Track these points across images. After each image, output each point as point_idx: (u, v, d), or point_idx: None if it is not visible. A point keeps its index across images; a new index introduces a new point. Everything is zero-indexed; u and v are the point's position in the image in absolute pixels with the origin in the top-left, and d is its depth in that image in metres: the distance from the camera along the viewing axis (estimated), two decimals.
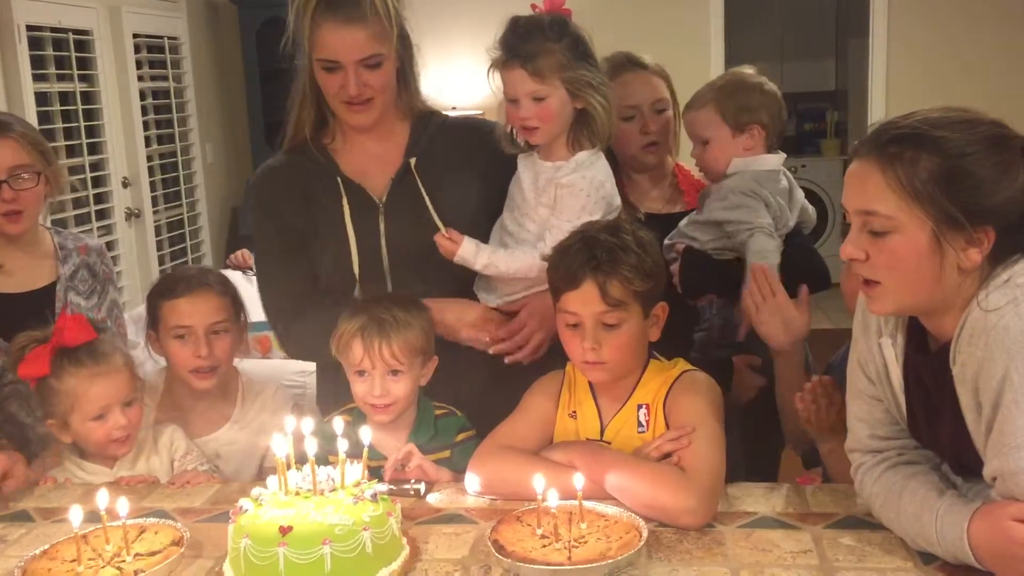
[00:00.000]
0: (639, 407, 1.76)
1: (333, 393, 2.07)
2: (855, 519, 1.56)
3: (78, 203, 4.53)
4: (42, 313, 2.07)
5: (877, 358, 1.52)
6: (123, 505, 1.52)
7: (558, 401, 1.84)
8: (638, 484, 1.60)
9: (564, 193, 1.94)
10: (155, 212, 5.15)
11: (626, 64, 2.33)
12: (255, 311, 2.23)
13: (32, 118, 4.03)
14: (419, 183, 2.03)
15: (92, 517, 1.55)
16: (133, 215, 4.94)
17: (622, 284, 1.69)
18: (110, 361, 1.92)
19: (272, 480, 1.52)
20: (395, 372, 1.86)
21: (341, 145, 2.09)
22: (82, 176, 4.53)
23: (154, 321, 2.12)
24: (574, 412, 1.81)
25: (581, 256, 1.71)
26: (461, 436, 1.94)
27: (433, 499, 1.74)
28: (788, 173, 2.23)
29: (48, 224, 2.44)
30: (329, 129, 2.09)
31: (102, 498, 1.53)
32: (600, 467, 1.64)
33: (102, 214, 4.72)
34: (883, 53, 5.63)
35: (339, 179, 2.04)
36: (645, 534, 1.49)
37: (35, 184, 2.17)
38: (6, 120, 2.19)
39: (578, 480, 1.53)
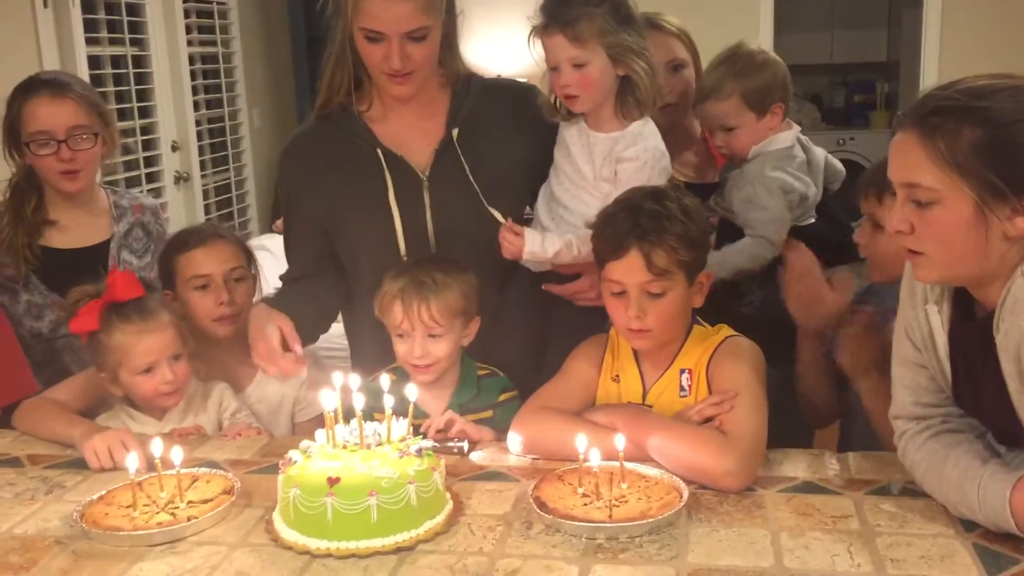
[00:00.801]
0: (681, 372, 1.77)
1: (370, 353, 2.08)
2: (897, 486, 1.56)
3: (129, 166, 4.61)
4: (96, 270, 2.12)
5: (923, 325, 1.52)
6: (177, 454, 1.57)
7: (601, 365, 1.85)
8: (680, 446, 1.62)
9: (628, 168, 1.92)
10: (203, 176, 5.21)
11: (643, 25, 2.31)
12: None
13: (86, 80, 4.09)
14: (461, 156, 1.98)
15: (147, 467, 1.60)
16: (182, 178, 5.02)
17: (667, 253, 1.69)
18: (157, 317, 1.97)
19: (320, 434, 1.55)
20: (434, 335, 1.88)
21: (379, 114, 2.02)
22: (133, 139, 4.61)
23: (169, 278, 2.14)
24: (617, 376, 1.83)
25: (626, 224, 1.71)
26: (503, 396, 1.97)
27: (476, 457, 1.77)
28: (802, 138, 2.20)
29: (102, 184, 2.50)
30: (365, 95, 2.02)
31: (156, 447, 1.58)
32: (642, 429, 1.66)
33: (152, 177, 4.80)
34: (937, 23, 5.50)
35: (379, 151, 1.98)
36: (686, 495, 1.50)
37: (92, 145, 2.22)
38: (66, 80, 2.24)
39: (620, 441, 1.55)
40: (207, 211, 5.25)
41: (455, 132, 1.99)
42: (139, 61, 4.70)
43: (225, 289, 2.10)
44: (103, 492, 1.60)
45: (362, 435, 1.52)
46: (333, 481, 1.43)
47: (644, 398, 1.80)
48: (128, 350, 1.93)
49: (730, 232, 2.13)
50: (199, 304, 2.10)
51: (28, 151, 2.19)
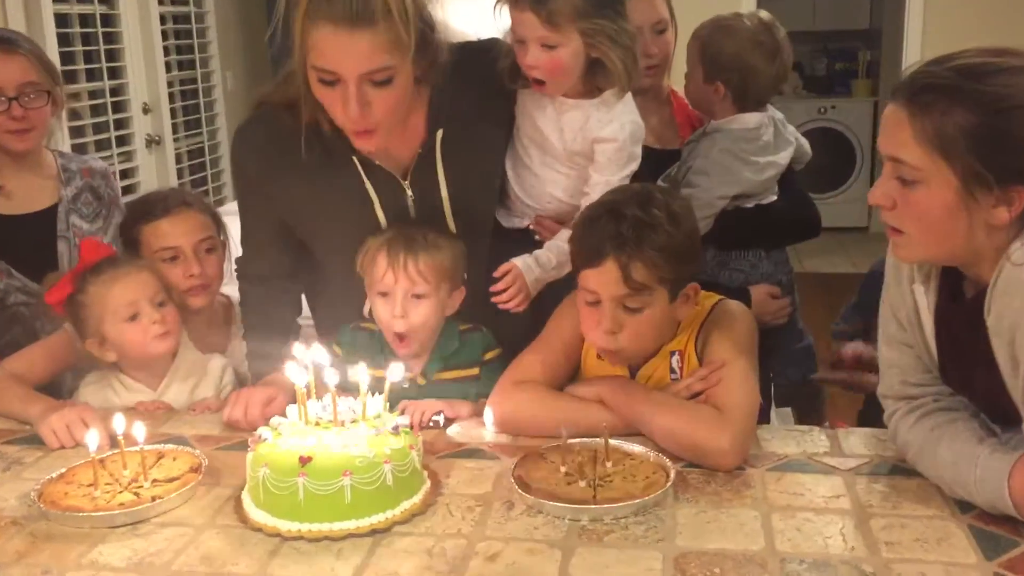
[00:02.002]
0: (672, 354, 1.69)
1: (331, 321, 1.98)
2: (888, 465, 1.52)
3: (98, 128, 4.48)
4: (43, 236, 2.03)
5: (908, 303, 1.46)
6: (140, 430, 1.50)
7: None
8: (671, 423, 1.56)
9: (606, 149, 1.81)
10: (175, 139, 5.08)
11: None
12: None
13: (52, 40, 3.96)
14: (440, 165, 1.81)
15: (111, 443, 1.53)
16: (153, 142, 4.88)
17: (647, 267, 1.56)
18: (131, 263, 1.89)
19: (292, 409, 1.49)
20: (418, 294, 1.78)
21: None
22: (102, 101, 4.48)
23: (134, 248, 2.03)
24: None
25: (605, 231, 1.57)
26: (490, 355, 1.88)
27: (453, 433, 1.71)
28: (776, 115, 2.18)
29: (61, 148, 2.40)
30: None
31: (119, 423, 1.51)
32: (630, 404, 1.60)
33: (122, 140, 4.67)
34: None
35: (355, 159, 1.78)
36: (672, 475, 1.45)
37: (44, 103, 2.13)
38: (13, 37, 2.15)
39: (604, 416, 1.49)
40: (180, 175, 5.13)
41: (440, 134, 1.80)
42: (108, 20, 4.55)
43: (195, 260, 2.01)
44: (63, 470, 1.53)
45: (336, 411, 1.45)
46: (305, 460, 1.36)
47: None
48: (105, 296, 1.84)
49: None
50: (168, 276, 1.99)
51: None
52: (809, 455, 1.56)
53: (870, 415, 1.89)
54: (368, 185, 1.80)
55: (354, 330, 1.90)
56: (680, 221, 1.61)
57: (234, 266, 2.06)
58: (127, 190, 4.47)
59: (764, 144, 2.12)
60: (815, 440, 1.62)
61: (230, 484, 1.52)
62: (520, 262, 1.83)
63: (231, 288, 2.13)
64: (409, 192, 1.83)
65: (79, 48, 4.34)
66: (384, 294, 1.80)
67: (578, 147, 1.83)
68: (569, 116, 1.82)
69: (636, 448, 1.54)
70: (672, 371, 1.69)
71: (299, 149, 1.74)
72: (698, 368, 1.64)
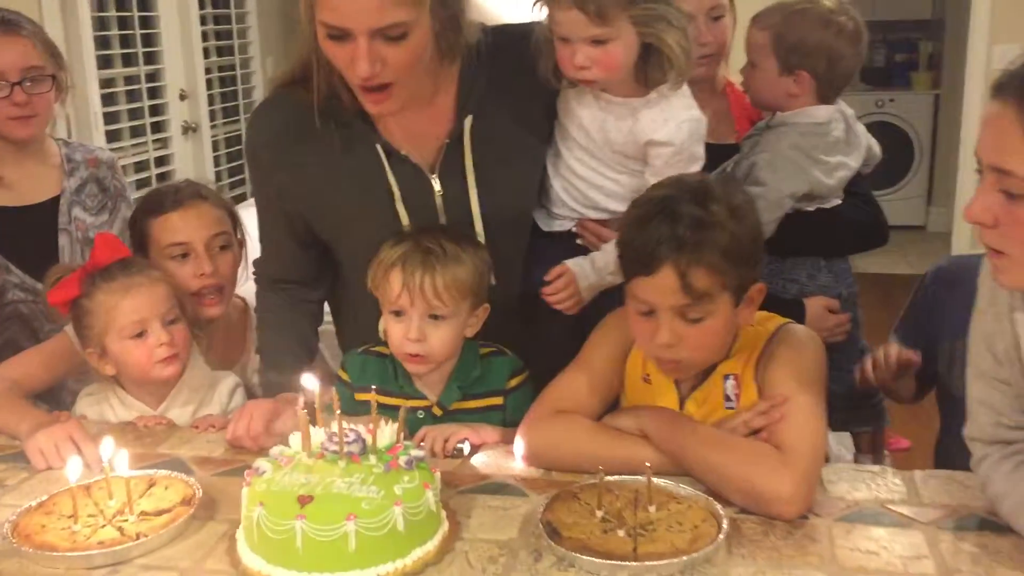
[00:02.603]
0: (726, 378, 1.49)
1: (354, 333, 1.83)
2: (977, 518, 1.32)
3: (134, 115, 4.38)
4: (45, 229, 1.89)
5: (1008, 335, 1.25)
6: (123, 460, 1.34)
7: (627, 356, 1.57)
8: (724, 462, 1.36)
9: (662, 154, 1.63)
10: (212, 127, 4.97)
11: None
12: None
13: (87, 24, 3.86)
14: (469, 151, 1.65)
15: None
16: (190, 129, 4.78)
17: (709, 273, 1.36)
18: (145, 273, 1.73)
19: (295, 438, 1.32)
20: (436, 315, 1.59)
21: None
22: (138, 87, 4.37)
23: (142, 244, 1.88)
24: (648, 376, 1.55)
25: (660, 233, 1.37)
26: (515, 381, 1.69)
27: (479, 462, 1.53)
28: (846, 110, 1.97)
29: (65, 135, 2.27)
30: None
31: (106, 447, 1.36)
32: (677, 438, 1.41)
33: (158, 127, 4.56)
34: None
35: (379, 148, 1.64)
36: (725, 524, 1.26)
37: (49, 88, 1.99)
38: (14, 18, 2.00)
39: (648, 455, 1.31)
40: (216, 163, 5.02)
41: (468, 121, 1.65)
42: (145, 3, 4.44)
43: (207, 258, 1.85)
44: (44, 498, 1.38)
45: (342, 441, 1.28)
46: (304, 500, 1.20)
47: (681, 407, 1.52)
48: (113, 309, 1.68)
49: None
50: (177, 276, 1.83)
51: None
52: (882, 502, 1.36)
53: (949, 453, 1.68)
54: (390, 175, 1.65)
55: (363, 355, 1.72)
56: (743, 216, 1.41)
57: (251, 269, 1.91)
58: (161, 178, 4.37)
59: (834, 141, 1.91)
60: (888, 484, 1.42)
61: (226, 518, 1.36)
62: (574, 265, 1.68)
63: (248, 290, 1.98)
64: (436, 187, 1.67)
65: (115, 32, 4.24)
66: (398, 313, 1.61)
67: (629, 151, 1.66)
68: (617, 116, 1.65)
69: (683, 490, 1.35)
70: (727, 398, 1.50)
71: (316, 135, 1.61)
72: (758, 401, 1.45)
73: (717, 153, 1.99)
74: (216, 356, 1.91)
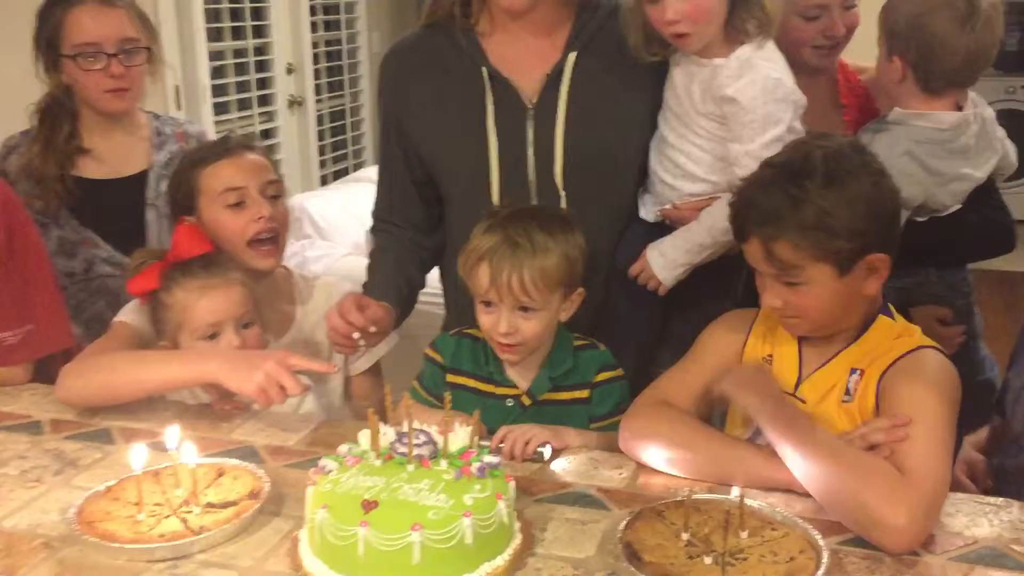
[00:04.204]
0: (852, 371, 1.39)
1: (453, 310, 1.87)
2: None
3: (241, 88, 4.42)
4: (133, 203, 1.87)
5: None
6: (190, 452, 1.30)
7: (745, 345, 1.50)
8: (835, 473, 1.24)
9: (734, 111, 1.58)
10: (318, 100, 4.99)
11: None
12: None
13: None
14: (566, 85, 1.69)
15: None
16: (295, 103, 4.81)
17: (791, 247, 1.34)
18: (224, 274, 1.69)
19: (364, 435, 1.26)
20: (525, 308, 1.55)
21: (489, 30, 1.74)
22: (246, 60, 4.41)
23: (191, 199, 1.79)
24: (770, 356, 1.47)
25: (748, 206, 1.40)
26: (603, 375, 1.63)
27: (559, 467, 1.44)
28: (985, 112, 1.76)
29: (173, 108, 2.26)
30: (474, 10, 1.74)
31: (171, 436, 1.32)
32: (789, 431, 1.29)
33: (264, 100, 4.60)
34: None
35: (484, 71, 1.71)
36: (825, 558, 1.14)
37: (143, 60, 1.98)
38: None
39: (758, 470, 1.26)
40: (320, 137, 5.05)
41: (572, 56, 1.69)
42: None
43: (265, 203, 1.78)
44: (112, 482, 1.35)
45: (411, 444, 1.21)
46: (369, 506, 1.13)
47: (796, 387, 1.44)
48: (189, 308, 1.65)
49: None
50: (231, 225, 1.76)
51: (73, 65, 1.94)
52: (1007, 542, 1.22)
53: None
54: (488, 95, 1.70)
55: (457, 336, 1.68)
56: (842, 188, 1.34)
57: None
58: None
59: (959, 149, 1.72)
60: (1014, 520, 1.27)
61: (292, 515, 1.30)
62: (649, 251, 1.71)
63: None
64: (529, 115, 1.70)
65: (226, 6, 4.28)
66: (488, 303, 1.57)
67: (708, 108, 1.62)
68: (701, 74, 1.62)
69: (780, 515, 1.23)
70: (847, 392, 1.39)
71: (433, 61, 1.75)
72: (879, 417, 1.32)
73: None
74: (265, 323, 1.86)
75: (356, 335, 1.64)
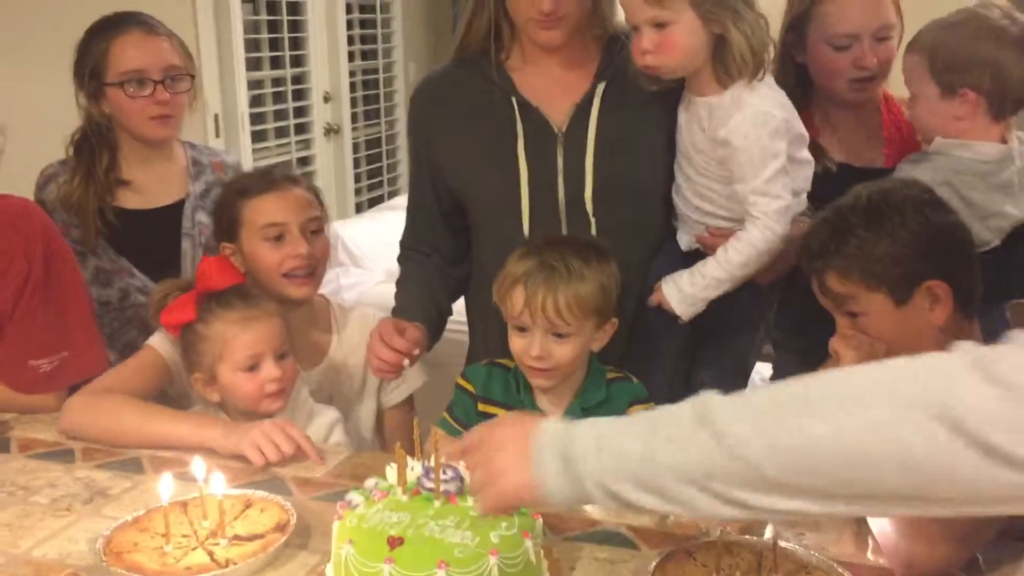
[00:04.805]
0: None
1: (480, 341, 1.89)
2: None
3: (279, 116, 4.47)
4: (168, 233, 1.89)
5: None
6: (219, 482, 1.30)
7: None
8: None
9: (730, 153, 1.60)
10: (354, 129, 5.03)
11: None
12: None
13: (239, 27, 3.96)
14: (595, 114, 1.72)
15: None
16: (332, 131, 4.85)
17: (841, 279, 1.43)
18: (262, 305, 1.70)
19: (391, 470, 1.25)
20: (559, 334, 1.55)
21: (519, 64, 1.78)
22: (284, 89, 4.46)
23: (233, 228, 1.83)
24: None
25: (804, 240, 1.51)
26: (635, 408, 1.62)
27: (589, 505, 1.42)
28: None
29: (213, 135, 2.28)
30: (505, 43, 1.77)
31: (198, 467, 1.32)
32: None
33: (301, 128, 4.65)
34: None
35: (514, 100, 1.74)
36: None
37: (187, 88, 2.00)
38: (152, 21, 2.01)
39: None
40: (356, 164, 5.09)
41: (601, 87, 1.73)
42: (295, 8, 4.53)
43: (303, 240, 1.80)
44: (141, 512, 1.35)
45: (438, 479, 1.20)
46: (394, 542, 1.12)
47: None
48: (229, 340, 1.65)
49: None
50: (270, 256, 1.79)
51: (119, 94, 1.96)
52: None
53: None
54: (519, 123, 1.74)
55: (488, 366, 1.69)
56: (885, 218, 1.40)
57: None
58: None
59: (1001, 184, 1.67)
60: None
61: (319, 549, 1.30)
62: (665, 284, 1.72)
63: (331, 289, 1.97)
64: (559, 143, 1.73)
65: (265, 36, 4.34)
66: (521, 328, 1.58)
67: (706, 148, 1.66)
68: (698, 117, 1.67)
69: (815, 556, 1.20)
70: None
71: (463, 93, 1.79)
72: None
73: (863, 178, 1.82)
74: (298, 351, 1.86)
75: (405, 362, 1.68)
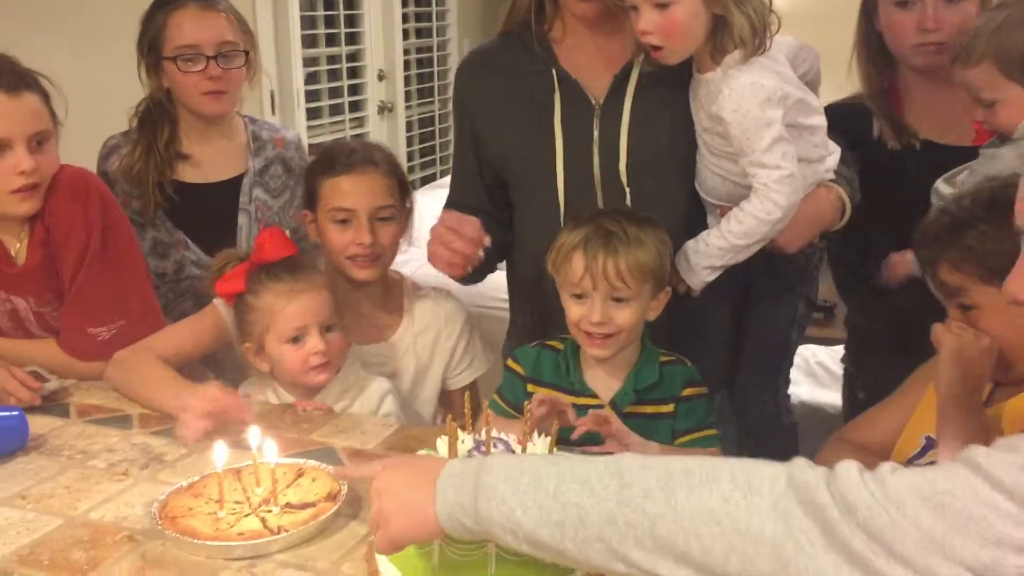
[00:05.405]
0: None
1: (520, 320, 1.89)
2: None
3: (334, 93, 4.49)
4: (226, 208, 1.90)
5: None
6: (271, 452, 1.31)
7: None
8: None
9: (725, 128, 1.58)
10: (407, 107, 5.04)
11: None
12: None
13: (295, 5, 3.98)
14: (632, 87, 1.70)
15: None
16: (386, 109, 4.86)
17: (951, 270, 1.37)
18: (310, 278, 1.72)
19: (442, 442, 1.25)
20: (619, 298, 1.54)
21: (561, 36, 1.78)
22: (339, 66, 4.48)
23: (312, 200, 1.88)
24: None
25: (919, 234, 1.44)
26: (689, 391, 1.61)
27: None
28: None
29: (269, 112, 2.30)
30: (548, 16, 1.78)
31: (254, 435, 1.33)
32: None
33: (355, 106, 4.67)
34: None
35: (554, 72, 1.74)
36: None
37: (242, 64, 2.01)
38: None
39: None
40: (409, 143, 5.10)
41: (640, 59, 1.70)
42: None
43: (368, 228, 1.81)
44: (196, 478, 1.37)
45: (489, 451, 1.19)
46: None
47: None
48: (276, 312, 1.68)
49: None
50: (336, 239, 1.83)
51: (173, 68, 1.98)
52: None
53: None
54: (557, 94, 1.73)
55: (537, 348, 1.68)
56: (1006, 210, 1.28)
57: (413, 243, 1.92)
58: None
59: None
60: None
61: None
62: (680, 254, 1.69)
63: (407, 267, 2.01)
64: (596, 115, 1.72)
65: (321, 13, 4.36)
66: (580, 296, 1.57)
67: (709, 126, 1.64)
68: (698, 95, 1.65)
69: None
70: None
71: (506, 67, 1.79)
72: None
73: (947, 156, 1.77)
74: (365, 328, 1.88)
75: (480, 252, 1.67)
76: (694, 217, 1.76)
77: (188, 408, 1.52)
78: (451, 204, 1.91)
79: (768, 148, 1.56)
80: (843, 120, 1.82)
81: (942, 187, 1.70)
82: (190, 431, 1.51)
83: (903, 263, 1.79)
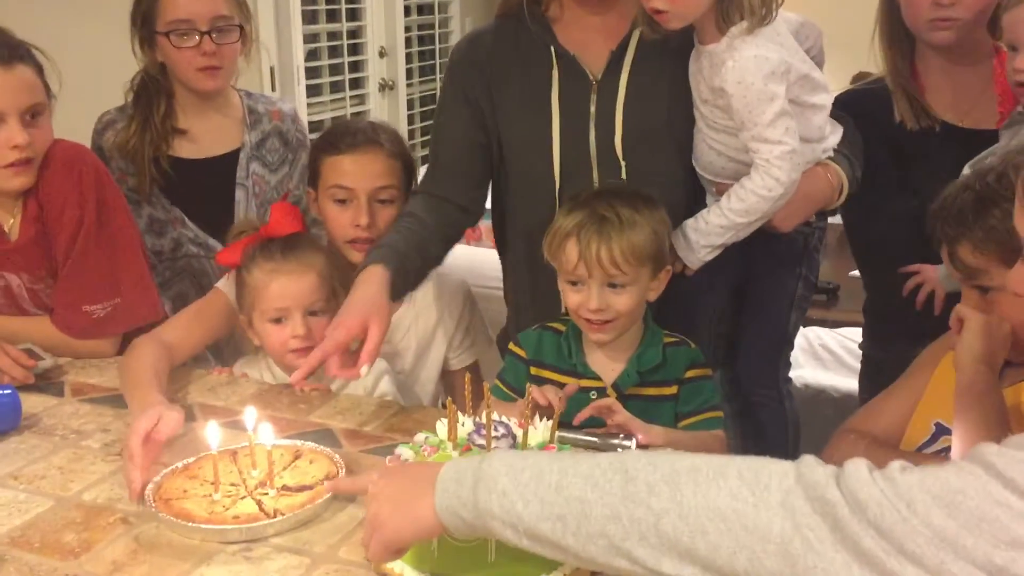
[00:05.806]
0: None
1: (522, 302, 1.85)
2: None
3: (334, 71, 4.45)
4: (221, 182, 1.88)
5: None
6: (268, 433, 1.28)
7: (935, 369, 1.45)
8: None
9: (728, 101, 1.54)
10: (408, 84, 5.00)
11: None
12: None
13: None
14: (629, 61, 1.69)
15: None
16: (387, 86, 4.82)
17: (970, 249, 1.32)
18: (300, 258, 1.68)
19: (442, 425, 1.22)
20: (616, 284, 1.52)
21: (559, 15, 1.75)
22: (339, 43, 4.43)
23: (314, 177, 1.86)
24: None
25: (938, 209, 1.37)
26: (692, 372, 1.59)
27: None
28: None
29: (269, 88, 2.26)
30: None
31: (250, 416, 1.30)
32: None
33: (356, 83, 4.63)
34: None
35: (552, 49, 1.72)
36: None
37: (236, 39, 1.97)
38: None
39: None
40: (410, 121, 5.06)
41: (636, 33, 1.68)
42: None
43: (367, 210, 1.78)
44: (191, 460, 1.35)
45: (490, 435, 1.17)
46: None
47: None
48: (260, 290, 1.66)
49: None
50: (336, 218, 1.80)
51: (166, 42, 1.94)
52: None
53: None
54: (554, 69, 1.71)
55: (539, 330, 1.66)
56: None
57: None
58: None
59: None
60: None
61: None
62: (672, 234, 1.64)
63: None
64: (593, 89, 1.70)
65: None
66: (575, 283, 1.54)
67: (710, 98, 1.61)
68: (700, 61, 1.61)
69: None
70: None
71: (504, 46, 1.75)
72: None
73: (967, 139, 1.73)
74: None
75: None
76: (692, 194, 1.74)
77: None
78: (426, 176, 1.85)
79: (771, 123, 1.53)
80: (863, 103, 1.78)
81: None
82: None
83: (931, 283, 1.78)
